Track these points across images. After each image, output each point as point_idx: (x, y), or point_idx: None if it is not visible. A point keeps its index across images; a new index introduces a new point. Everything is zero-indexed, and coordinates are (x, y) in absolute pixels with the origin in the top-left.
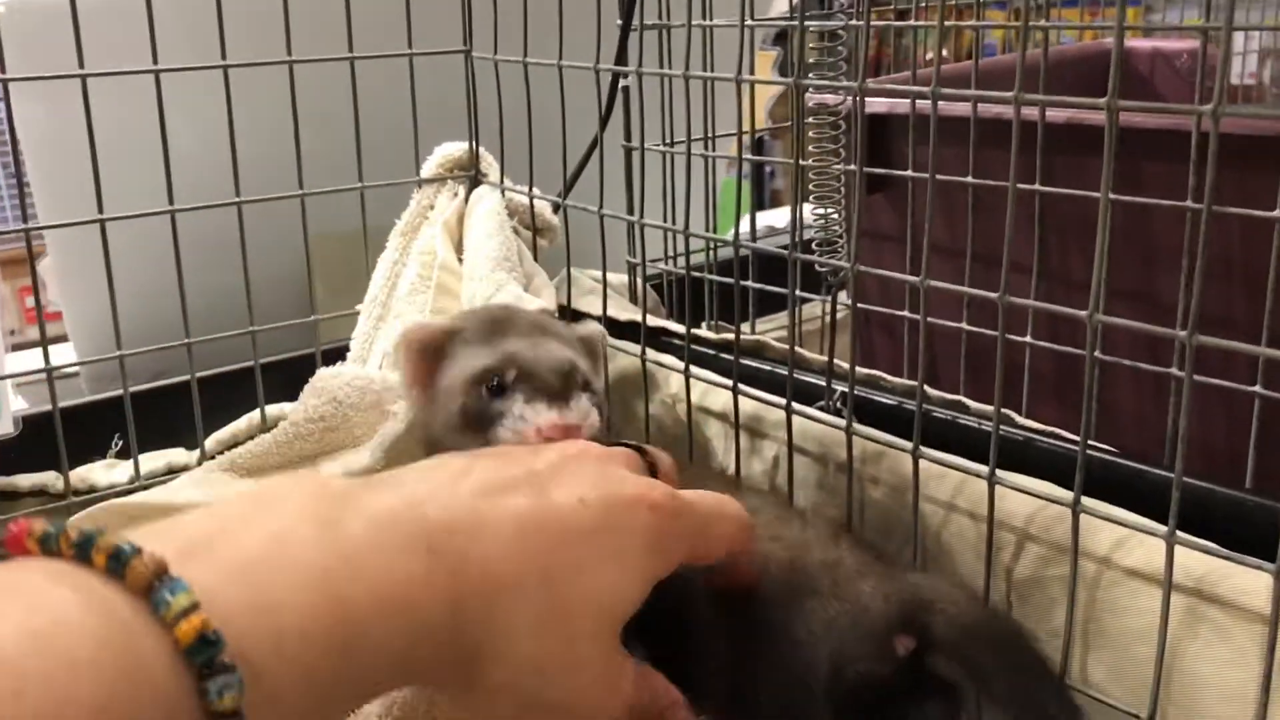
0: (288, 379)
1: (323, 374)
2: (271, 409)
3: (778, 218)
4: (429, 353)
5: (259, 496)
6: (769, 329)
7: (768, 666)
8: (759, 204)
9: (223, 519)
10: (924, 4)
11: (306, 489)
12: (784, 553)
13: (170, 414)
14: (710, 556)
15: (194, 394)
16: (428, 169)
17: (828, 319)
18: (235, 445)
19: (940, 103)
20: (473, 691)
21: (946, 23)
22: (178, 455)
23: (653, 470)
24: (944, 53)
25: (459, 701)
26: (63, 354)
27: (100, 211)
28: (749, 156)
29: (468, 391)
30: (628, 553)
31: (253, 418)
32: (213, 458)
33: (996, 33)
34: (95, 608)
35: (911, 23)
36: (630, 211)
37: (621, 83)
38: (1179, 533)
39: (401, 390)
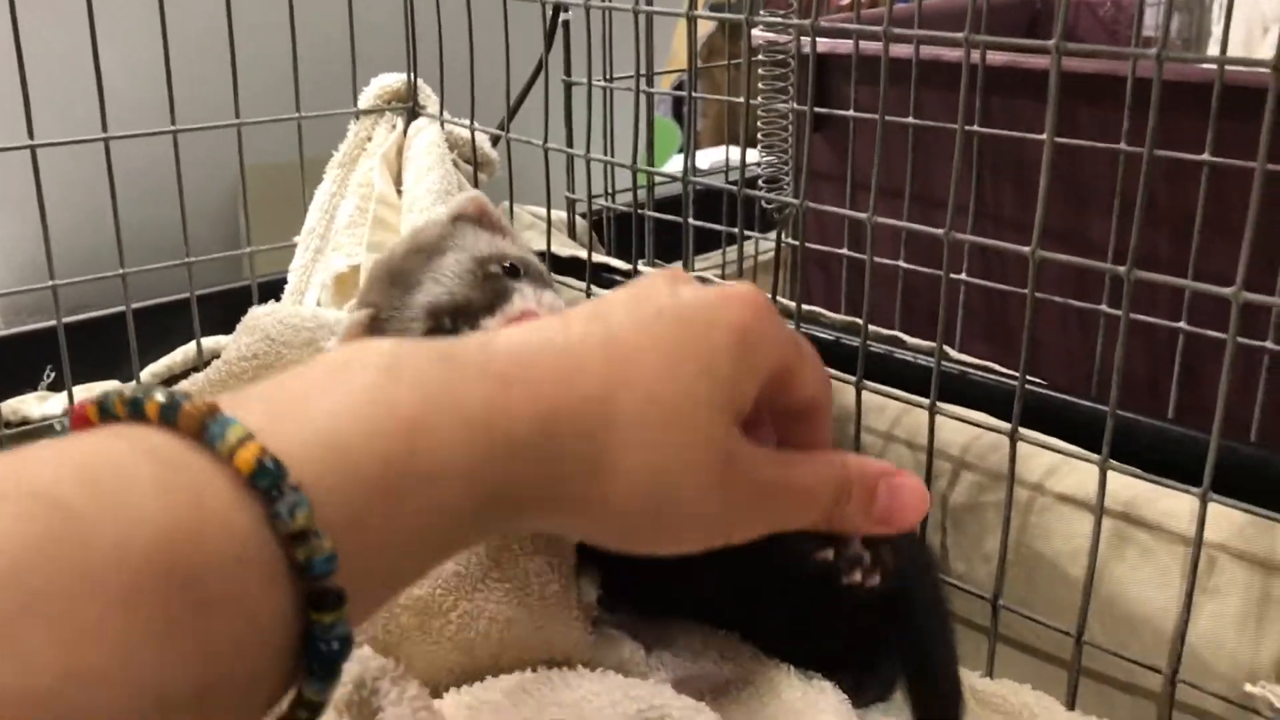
0: (222, 311)
1: (255, 311)
2: (208, 341)
3: (705, 158)
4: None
5: (315, 362)
6: (705, 267)
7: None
8: (689, 142)
9: (278, 381)
10: None
11: (368, 349)
12: None
13: (102, 346)
14: (799, 386)
15: (129, 325)
16: (365, 100)
17: (767, 256)
18: (171, 378)
19: (880, 44)
20: (573, 514)
21: None
22: (112, 388)
23: None
24: None
25: (574, 526)
26: None
27: (30, 138)
28: (697, 94)
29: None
30: (719, 358)
31: (188, 350)
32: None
33: None
34: (151, 455)
35: None
36: (569, 146)
37: (562, 16)
38: (1110, 460)
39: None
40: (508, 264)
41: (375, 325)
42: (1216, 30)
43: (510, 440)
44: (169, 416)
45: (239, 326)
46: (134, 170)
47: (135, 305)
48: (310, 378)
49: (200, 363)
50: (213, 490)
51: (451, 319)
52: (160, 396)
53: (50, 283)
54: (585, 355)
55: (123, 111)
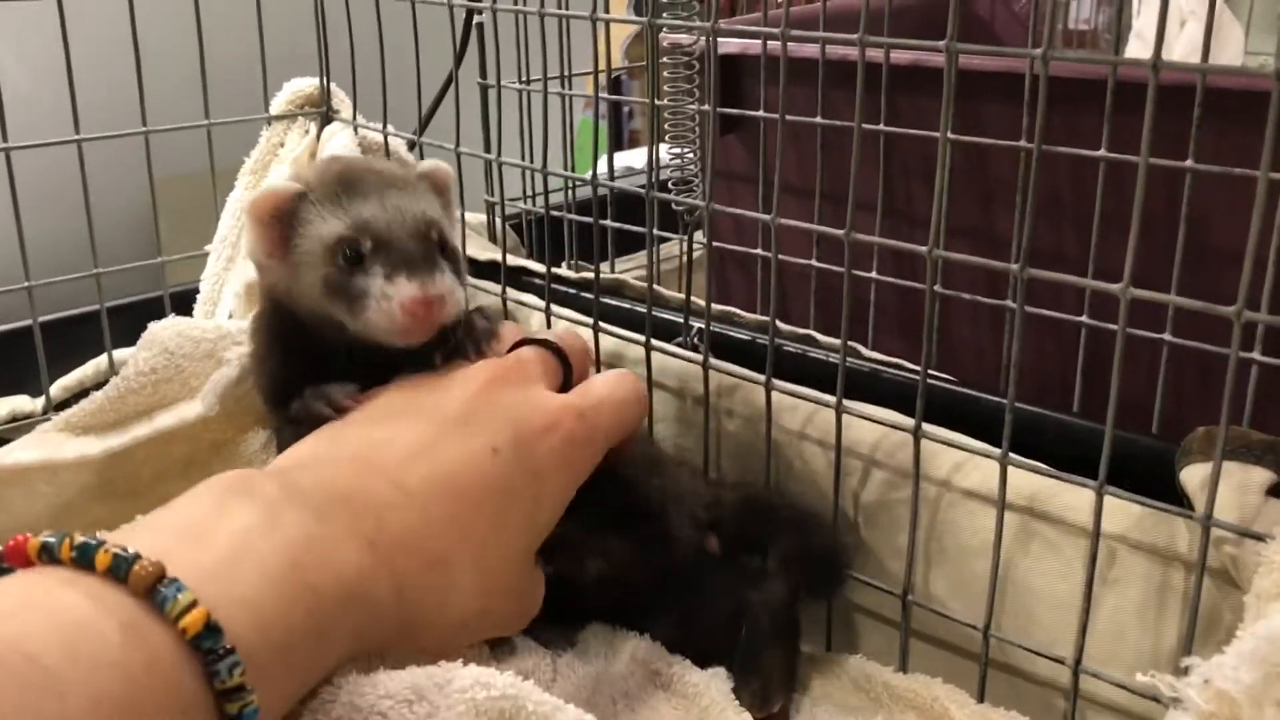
0: (136, 323)
1: (153, 327)
2: (119, 353)
3: (636, 158)
4: (280, 217)
5: (210, 496)
6: (628, 268)
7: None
8: (617, 144)
9: (184, 523)
10: None
11: (256, 490)
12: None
13: (9, 360)
14: (621, 445)
15: (37, 338)
16: (277, 105)
17: (685, 258)
18: (82, 391)
19: (790, 44)
20: (410, 641)
21: None
22: (21, 403)
23: (566, 365)
24: None
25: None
26: None
27: None
28: (605, 96)
29: (327, 262)
30: (546, 483)
31: (100, 363)
32: (60, 406)
33: None
34: (110, 612)
35: None
36: (487, 150)
37: (476, 19)
38: (1012, 454)
39: (254, 262)
40: (446, 243)
41: (293, 205)
42: (1137, 23)
43: (375, 603)
44: (119, 572)
45: (139, 341)
46: (43, 180)
47: (43, 318)
48: (219, 536)
49: (111, 375)
50: (163, 650)
51: (359, 255)
52: (111, 550)
53: None
54: (433, 514)
55: (32, 119)
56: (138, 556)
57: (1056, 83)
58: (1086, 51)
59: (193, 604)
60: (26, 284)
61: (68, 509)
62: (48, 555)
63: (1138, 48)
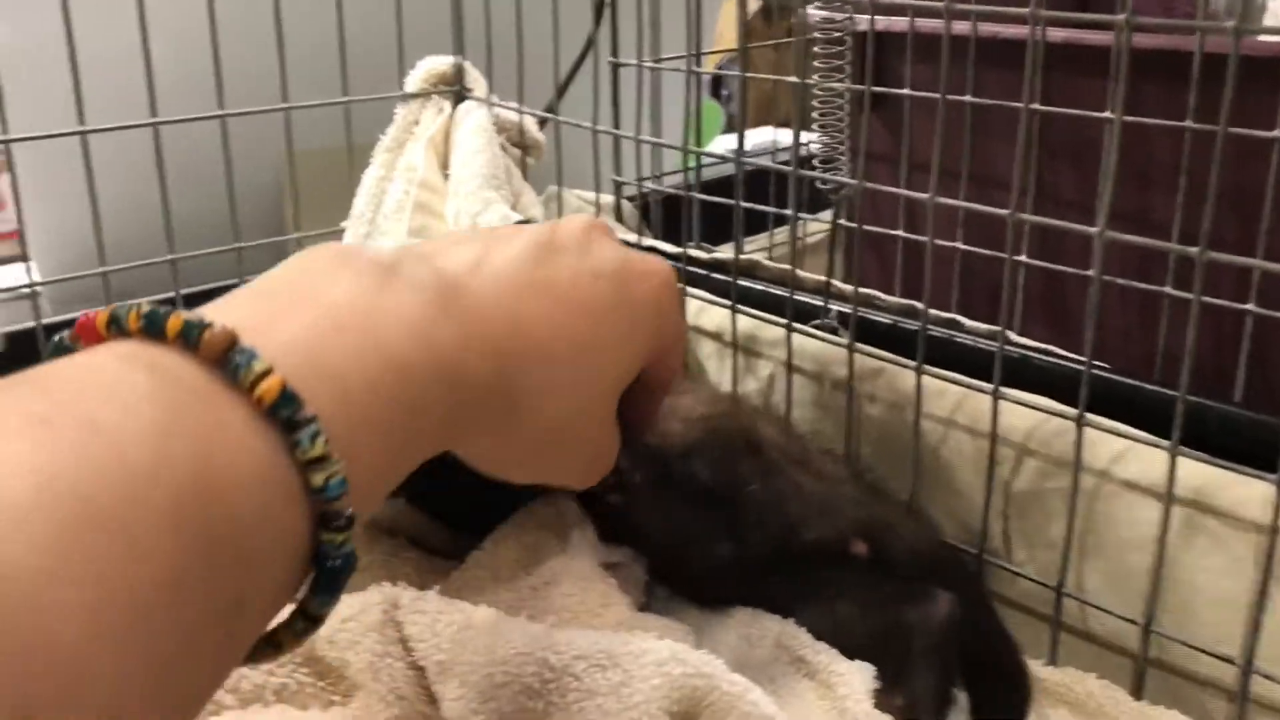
0: None
1: None
2: None
3: (747, 139)
4: None
5: (304, 270)
6: (753, 249)
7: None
8: (728, 126)
9: (270, 296)
10: None
11: (351, 263)
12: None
13: None
14: (669, 367)
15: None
16: (412, 83)
17: (815, 239)
18: None
19: (939, 22)
20: (500, 437)
21: None
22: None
23: None
24: None
25: (483, 450)
26: (20, 273)
27: (81, 123)
28: (747, 75)
29: None
30: (638, 325)
31: None
32: None
33: None
34: (175, 379)
35: None
36: (616, 128)
37: None
38: (1180, 445)
39: None
40: None
41: None
42: (1274, 2)
43: (472, 383)
44: (189, 339)
45: None
46: (181, 156)
47: (184, 291)
48: (306, 309)
49: None
50: (235, 418)
51: None
52: (183, 316)
53: (101, 269)
54: (535, 308)
55: (170, 98)
56: (209, 324)
57: (1224, 60)
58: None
59: (268, 371)
60: (171, 256)
61: None
62: (116, 327)
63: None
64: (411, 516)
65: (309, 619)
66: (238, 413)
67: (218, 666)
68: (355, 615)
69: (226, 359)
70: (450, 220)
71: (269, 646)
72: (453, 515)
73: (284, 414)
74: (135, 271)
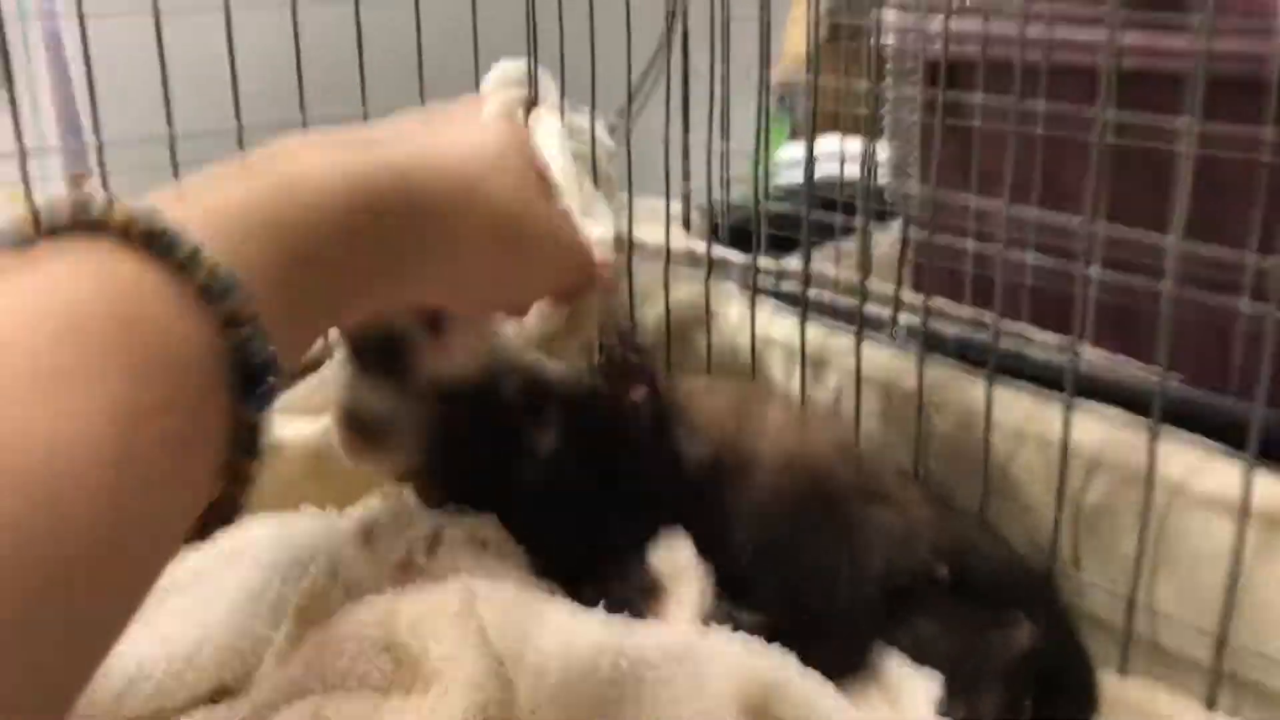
0: None
1: None
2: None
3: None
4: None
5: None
6: (821, 260)
7: (827, 554)
8: (793, 135)
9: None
10: None
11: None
12: (849, 465)
13: None
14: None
15: None
16: (485, 88)
17: (881, 249)
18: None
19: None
20: (449, 260)
21: None
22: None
23: None
24: None
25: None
26: None
27: (170, 126)
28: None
29: None
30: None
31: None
32: None
33: None
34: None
35: None
36: (686, 135)
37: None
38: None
39: None
40: None
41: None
42: None
43: (392, 205)
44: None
45: None
46: None
47: None
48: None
49: (327, 356)
50: (140, 268)
51: None
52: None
53: None
54: (446, 136)
55: (253, 106)
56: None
57: None
58: None
59: (155, 222)
60: None
61: (289, 489)
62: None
63: None
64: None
65: (250, 433)
66: (145, 266)
67: (174, 494)
68: (434, 606)
69: (132, 225)
70: None
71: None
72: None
73: (163, 242)
74: None
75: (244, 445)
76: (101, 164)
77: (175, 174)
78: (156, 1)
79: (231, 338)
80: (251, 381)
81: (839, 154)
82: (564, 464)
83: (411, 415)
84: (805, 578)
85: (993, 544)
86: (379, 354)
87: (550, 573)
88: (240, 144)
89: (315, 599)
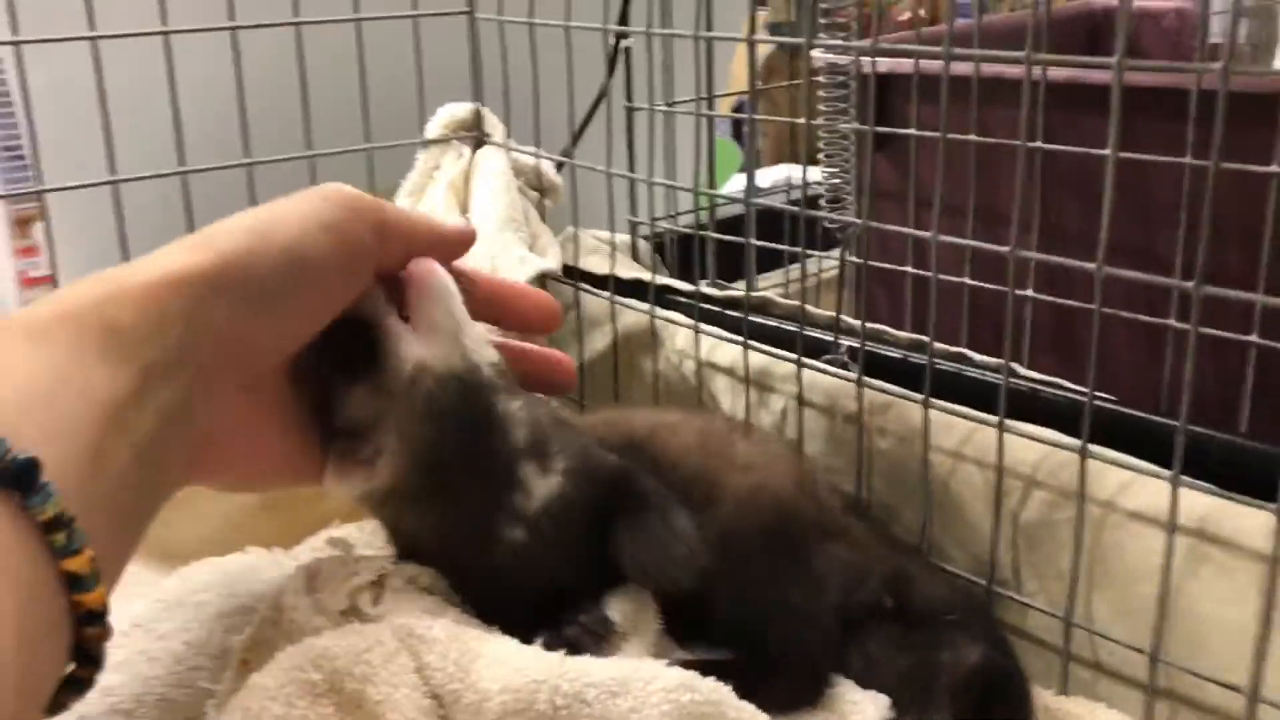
0: None
1: None
2: None
3: (764, 177)
4: None
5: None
6: (766, 286)
7: (790, 587)
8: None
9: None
10: None
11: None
12: (809, 501)
13: None
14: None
15: None
16: (432, 130)
17: (830, 274)
18: None
19: (940, 63)
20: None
21: None
22: None
23: None
24: (920, 12)
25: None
26: None
27: (113, 173)
28: (757, 116)
29: None
30: None
31: None
32: None
33: None
34: None
35: None
36: (631, 170)
37: (623, 44)
38: (1183, 476)
39: None
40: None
41: None
42: None
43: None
44: None
45: None
46: (210, 201)
47: None
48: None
49: None
50: None
51: None
52: None
53: None
54: None
55: (197, 143)
56: None
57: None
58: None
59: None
60: None
61: (236, 528)
62: None
63: None
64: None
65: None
66: None
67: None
68: (371, 646)
69: None
70: (471, 261)
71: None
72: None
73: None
74: None
75: (88, 637)
76: (44, 211)
77: (119, 217)
78: (97, 47)
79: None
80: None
81: (785, 183)
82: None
83: (397, 419)
84: (768, 610)
85: (929, 575)
86: (350, 350)
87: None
88: (185, 190)
89: (258, 648)
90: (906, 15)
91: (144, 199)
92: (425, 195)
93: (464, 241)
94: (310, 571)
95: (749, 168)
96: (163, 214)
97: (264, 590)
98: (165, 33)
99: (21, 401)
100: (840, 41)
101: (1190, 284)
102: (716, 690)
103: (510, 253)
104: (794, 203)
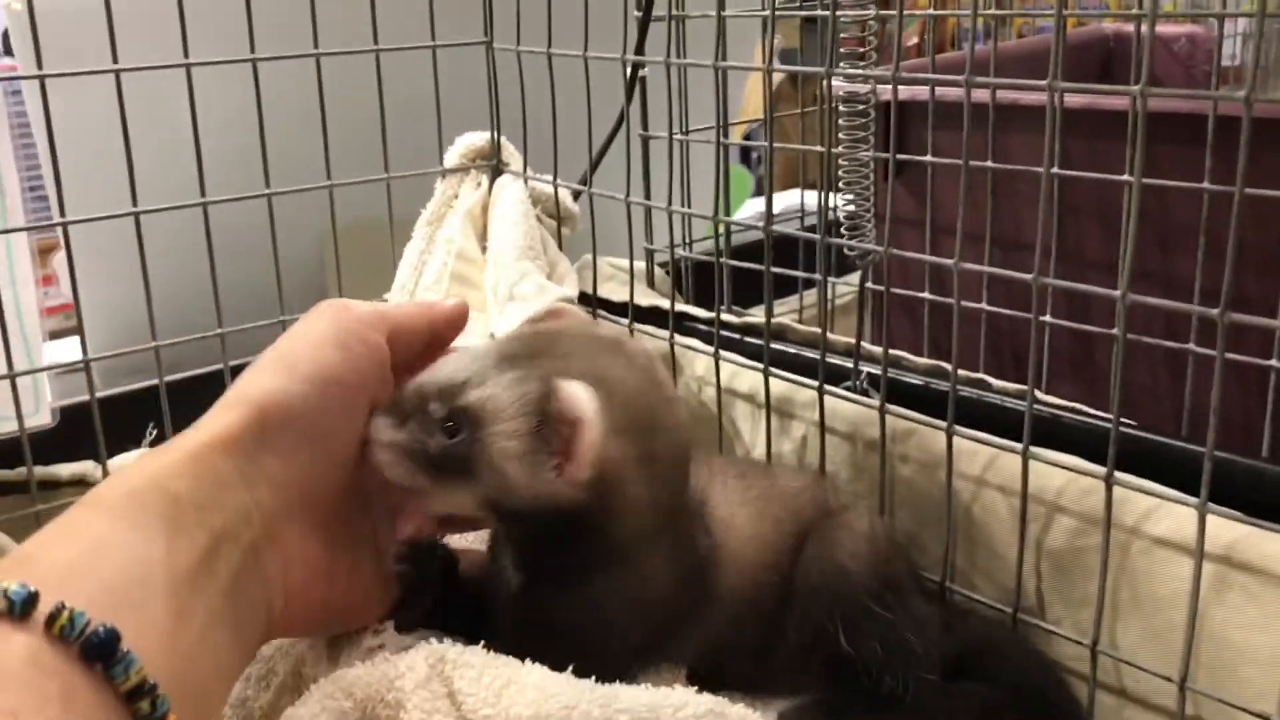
0: None
1: None
2: None
3: (777, 201)
4: None
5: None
6: (783, 311)
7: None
8: (757, 189)
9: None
10: None
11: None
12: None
13: (202, 403)
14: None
15: (228, 382)
16: (450, 159)
17: (844, 300)
18: None
19: (958, 90)
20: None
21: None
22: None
23: None
24: (927, 36)
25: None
26: (74, 348)
27: (134, 204)
28: (775, 145)
29: None
30: None
31: None
32: None
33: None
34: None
35: (953, 12)
36: (647, 198)
37: (640, 73)
38: (1210, 503)
39: None
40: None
41: None
42: None
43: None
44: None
45: None
46: (229, 230)
47: (232, 362)
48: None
49: None
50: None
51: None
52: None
53: (153, 344)
54: None
55: (216, 173)
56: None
57: (1237, 124)
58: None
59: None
60: (220, 330)
61: None
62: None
63: None
64: None
65: None
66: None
67: None
68: (403, 673)
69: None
70: (489, 290)
71: None
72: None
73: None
74: (183, 344)
75: None
76: (67, 241)
77: (140, 248)
78: (119, 79)
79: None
80: None
81: (798, 208)
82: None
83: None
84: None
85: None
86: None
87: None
88: (205, 220)
89: (275, 714)
90: (914, 40)
91: (164, 231)
92: (444, 223)
93: (458, 321)
94: (330, 640)
95: (767, 194)
96: (183, 245)
97: (284, 646)
98: (187, 65)
99: (100, 575)
100: (860, 71)
101: (1215, 311)
102: (745, 716)
103: (528, 281)
104: (810, 228)
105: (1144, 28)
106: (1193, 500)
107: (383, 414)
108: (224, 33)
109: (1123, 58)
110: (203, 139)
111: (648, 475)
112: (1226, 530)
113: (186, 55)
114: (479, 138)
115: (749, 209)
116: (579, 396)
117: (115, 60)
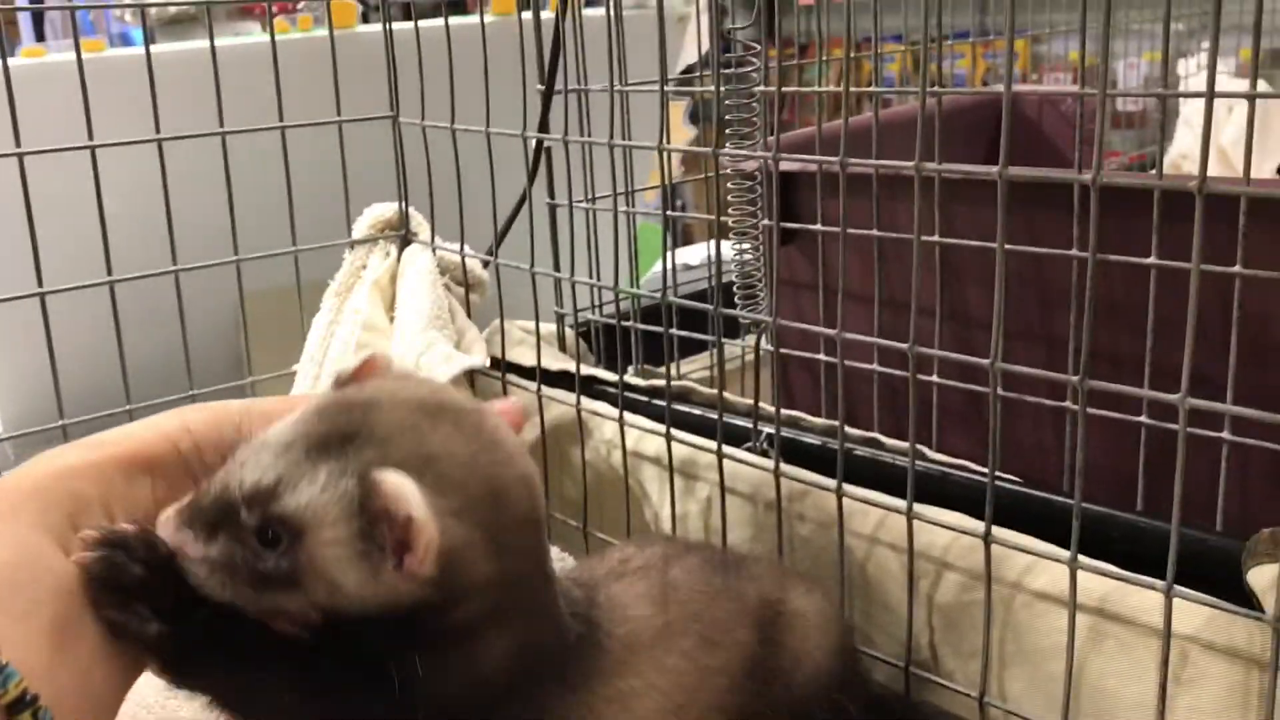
0: None
1: None
2: None
3: (693, 254)
4: None
5: None
6: (690, 370)
7: None
8: (674, 242)
9: None
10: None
11: None
12: None
13: None
14: None
15: None
16: (359, 230)
17: (747, 358)
18: None
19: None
20: None
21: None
22: None
23: None
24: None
25: None
26: None
27: (40, 284)
28: (672, 213)
29: None
30: None
31: None
32: None
33: (893, 65)
34: None
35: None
36: (556, 265)
37: (545, 145)
38: (1080, 557)
39: None
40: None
41: None
42: (1184, 109)
43: None
44: None
45: None
46: (139, 303)
47: None
48: None
49: None
50: None
51: None
52: None
53: (60, 422)
54: None
55: (129, 245)
56: None
57: (1108, 191)
58: (1132, 174)
59: None
60: (128, 407)
61: None
62: None
63: (1185, 134)
64: None
65: None
66: None
67: None
68: None
69: None
70: (396, 360)
71: None
72: None
73: None
74: (93, 421)
75: None
76: None
77: (47, 329)
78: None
79: None
80: None
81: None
82: None
83: None
84: None
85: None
86: None
87: None
88: (113, 299)
89: None
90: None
91: (72, 308)
92: (352, 294)
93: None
94: None
95: (666, 264)
96: (92, 321)
97: None
98: (92, 147)
99: None
100: (744, 152)
101: (1075, 378)
102: None
103: (434, 351)
104: (703, 294)
105: (1006, 103)
106: (1064, 555)
107: (185, 524)
108: (134, 108)
109: (1019, 118)
110: (113, 214)
111: (496, 550)
112: (1099, 584)
113: (91, 137)
114: (387, 208)
115: (657, 270)
116: (404, 490)
117: (18, 144)
